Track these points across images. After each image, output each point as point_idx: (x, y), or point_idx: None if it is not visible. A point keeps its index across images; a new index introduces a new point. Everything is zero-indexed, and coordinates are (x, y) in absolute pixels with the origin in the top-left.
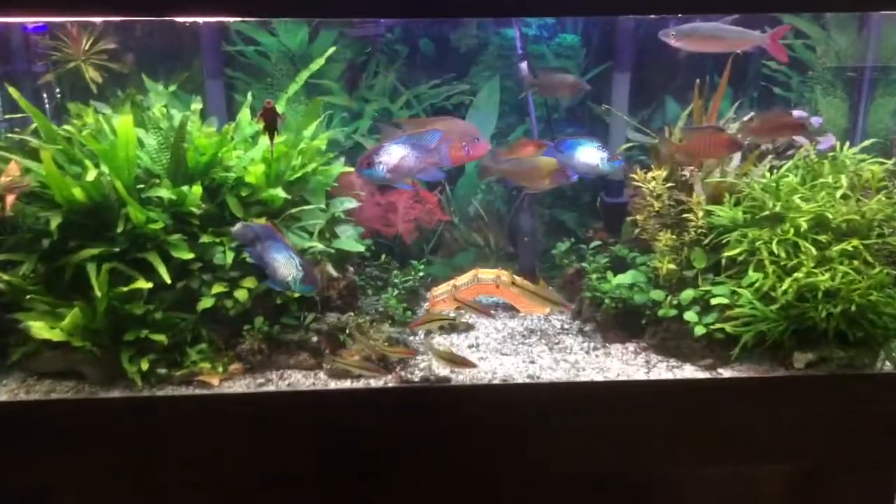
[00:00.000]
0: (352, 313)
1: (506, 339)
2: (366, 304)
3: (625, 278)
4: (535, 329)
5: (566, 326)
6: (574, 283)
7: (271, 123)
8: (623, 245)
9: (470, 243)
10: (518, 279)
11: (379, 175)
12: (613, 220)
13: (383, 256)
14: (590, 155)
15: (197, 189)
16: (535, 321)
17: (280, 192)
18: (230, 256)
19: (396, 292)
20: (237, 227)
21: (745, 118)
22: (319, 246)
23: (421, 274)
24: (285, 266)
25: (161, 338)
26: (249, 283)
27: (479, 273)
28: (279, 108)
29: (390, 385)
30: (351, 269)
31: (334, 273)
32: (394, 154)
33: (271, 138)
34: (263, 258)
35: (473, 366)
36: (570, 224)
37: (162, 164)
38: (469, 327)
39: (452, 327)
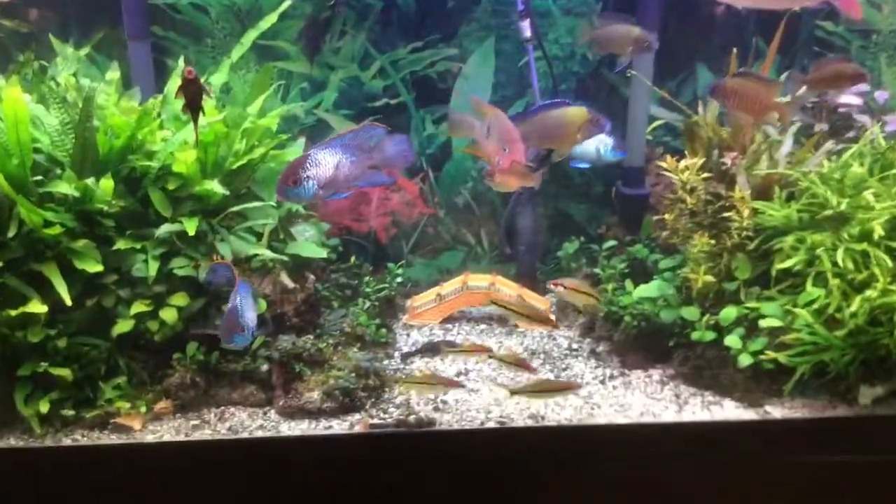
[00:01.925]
0: (310, 336)
1: (502, 364)
2: (329, 321)
3: (649, 290)
4: (538, 350)
5: (575, 346)
6: None
7: (194, 100)
8: (643, 244)
9: (458, 241)
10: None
11: (309, 193)
12: (632, 215)
13: (353, 258)
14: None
15: (107, 183)
16: (536, 339)
17: (216, 186)
18: (154, 267)
19: (368, 304)
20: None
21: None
22: (267, 254)
23: (399, 280)
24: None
25: (64, 372)
26: (179, 300)
27: (469, 279)
28: (220, 77)
29: (358, 430)
30: (312, 277)
31: (290, 284)
32: (325, 164)
33: (195, 119)
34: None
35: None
36: (578, 219)
37: (66, 150)
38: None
39: (435, 350)
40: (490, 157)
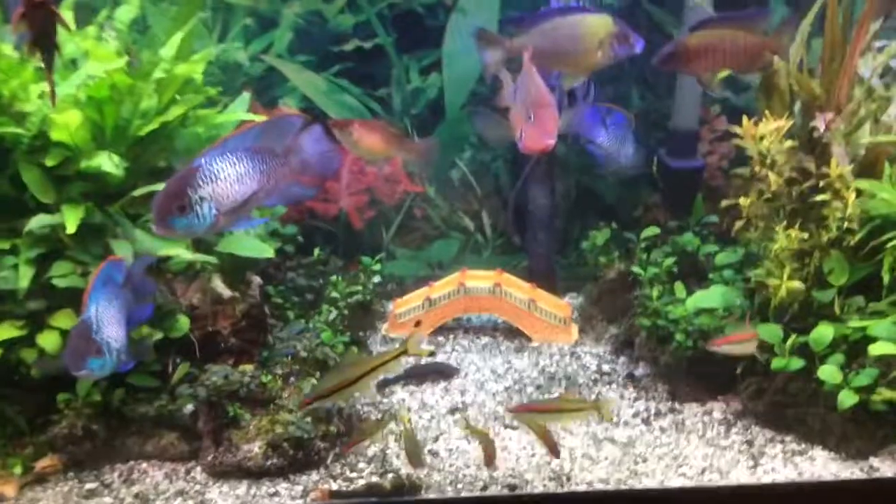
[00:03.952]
0: (249, 366)
1: (510, 396)
2: (280, 341)
3: (709, 298)
4: (557, 373)
5: (606, 369)
6: (617, 293)
7: (43, 34)
8: (693, 233)
9: (453, 227)
10: None
11: (205, 223)
12: (679, 194)
13: (317, 251)
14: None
15: None
16: (556, 358)
17: (109, 162)
18: (27, 274)
19: (335, 314)
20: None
21: None
22: (186, 255)
23: (377, 278)
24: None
25: None
26: (63, 320)
27: (467, 278)
28: (129, 12)
29: (313, 500)
30: (257, 280)
31: (225, 292)
32: (225, 177)
33: (47, 62)
34: None
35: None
36: (608, 199)
37: None
38: (448, 372)
39: (422, 376)
40: (514, 125)
